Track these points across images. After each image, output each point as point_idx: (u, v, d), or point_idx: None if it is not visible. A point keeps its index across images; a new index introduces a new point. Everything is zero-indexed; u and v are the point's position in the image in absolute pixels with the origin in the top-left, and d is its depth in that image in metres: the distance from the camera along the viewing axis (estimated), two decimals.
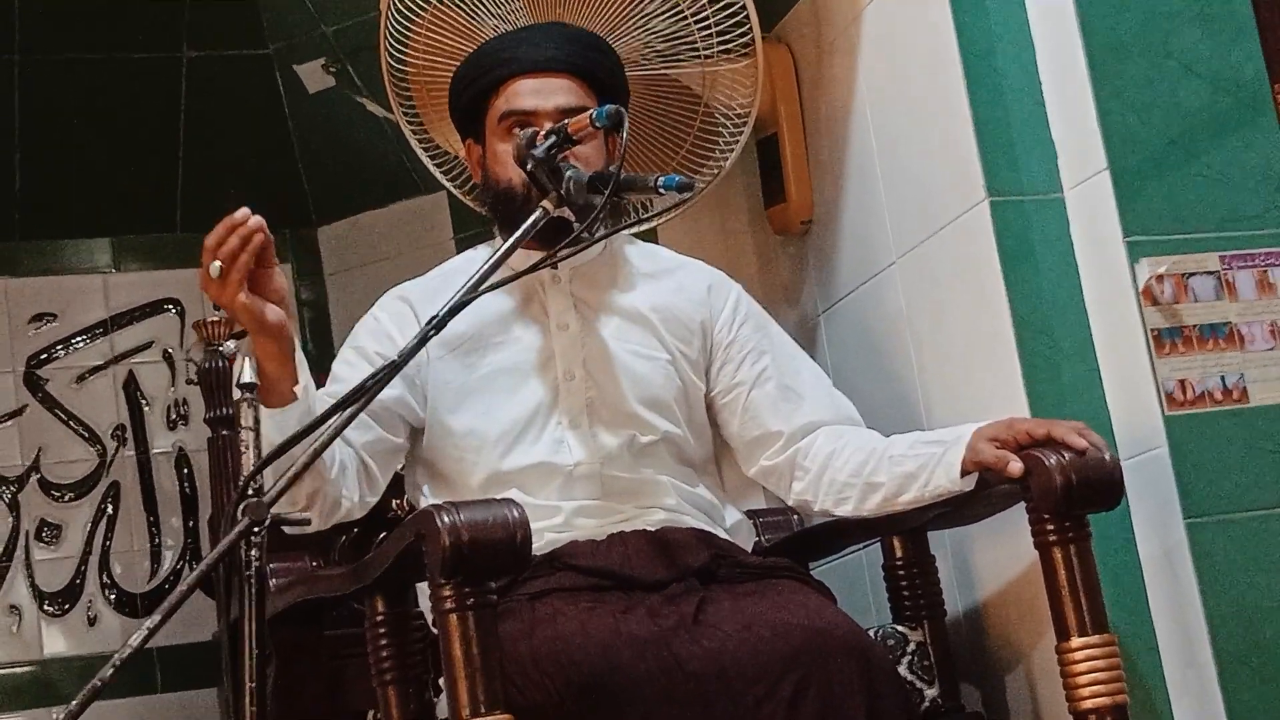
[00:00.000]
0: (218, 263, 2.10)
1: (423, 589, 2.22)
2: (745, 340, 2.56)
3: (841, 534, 2.65)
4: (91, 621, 3.71)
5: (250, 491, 1.87)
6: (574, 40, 2.52)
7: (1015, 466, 2.22)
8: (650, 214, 2.89)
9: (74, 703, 1.72)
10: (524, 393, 2.43)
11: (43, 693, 3.64)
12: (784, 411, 2.52)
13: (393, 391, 2.35)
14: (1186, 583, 2.40)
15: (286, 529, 2.29)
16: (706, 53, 2.80)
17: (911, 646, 2.53)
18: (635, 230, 2.79)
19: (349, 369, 2.44)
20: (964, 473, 2.30)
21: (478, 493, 2.38)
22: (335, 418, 1.94)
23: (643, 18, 2.74)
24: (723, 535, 2.43)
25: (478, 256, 2.57)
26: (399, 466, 2.51)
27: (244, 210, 2.11)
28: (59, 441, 3.78)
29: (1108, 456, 2.21)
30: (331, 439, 1.95)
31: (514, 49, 2.49)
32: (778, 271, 3.27)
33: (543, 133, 2.31)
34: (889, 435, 2.45)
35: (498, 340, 2.45)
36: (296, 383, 2.21)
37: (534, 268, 2.22)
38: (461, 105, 2.53)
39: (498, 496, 2.08)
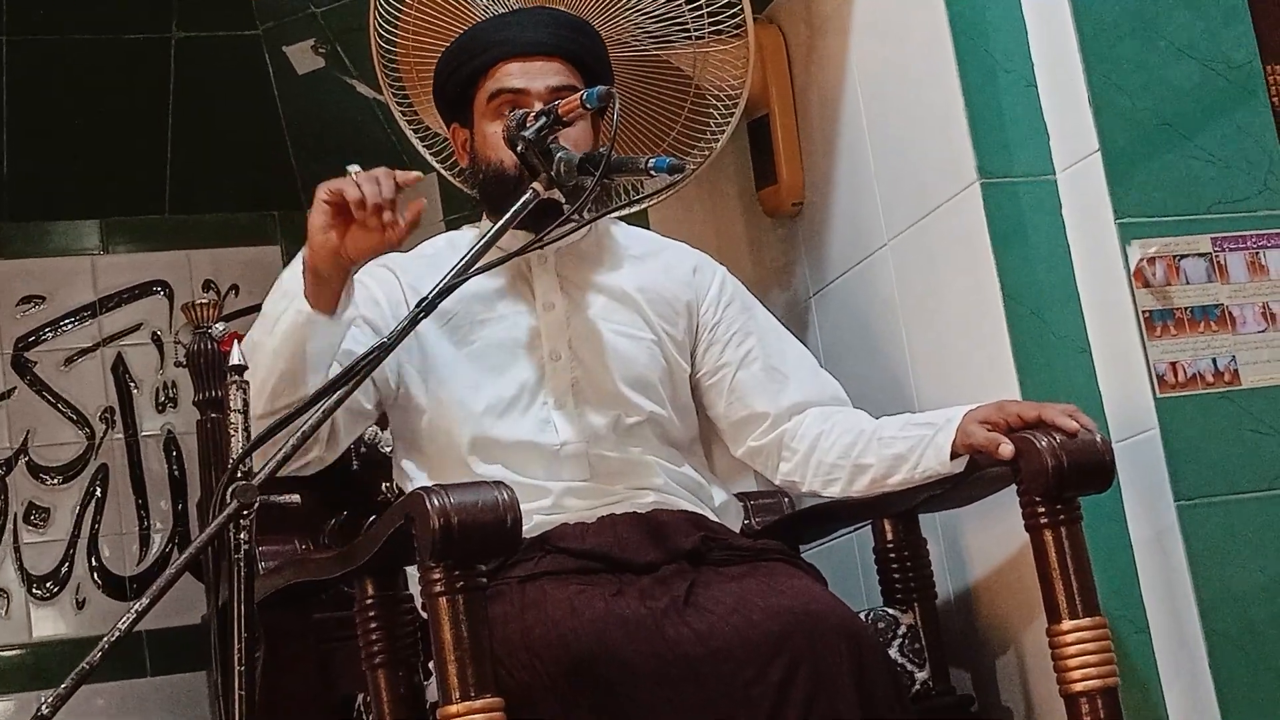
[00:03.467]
0: (357, 167, 2.18)
1: (412, 572, 2.22)
2: (731, 321, 2.55)
3: (832, 517, 2.65)
4: (80, 604, 3.71)
5: (239, 474, 1.86)
6: (562, 24, 2.52)
7: (1006, 449, 2.22)
8: (640, 196, 2.88)
9: (63, 686, 1.72)
10: (511, 371, 2.42)
11: (31, 676, 3.64)
12: (770, 392, 2.51)
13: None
14: (1177, 565, 2.40)
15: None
16: (697, 33, 2.79)
17: (902, 629, 2.53)
18: (626, 212, 2.78)
19: None
20: (954, 455, 2.30)
21: (464, 459, 2.37)
22: (325, 399, 1.94)
23: None
24: (712, 517, 2.43)
25: (461, 239, 2.56)
26: (361, 432, 2.51)
27: (416, 175, 2.20)
28: (47, 424, 3.77)
29: (1099, 439, 2.21)
30: (322, 421, 1.95)
31: (502, 32, 2.48)
32: (769, 253, 3.26)
33: (533, 114, 2.30)
34: (879, 417, 2.45)
35: (484, 317, 2.45)
36: (338, 306, 2.25)
37: (523, 250, 2.22)
38: (448, 90, 2.52)
39: (486, 478, 2.07)
